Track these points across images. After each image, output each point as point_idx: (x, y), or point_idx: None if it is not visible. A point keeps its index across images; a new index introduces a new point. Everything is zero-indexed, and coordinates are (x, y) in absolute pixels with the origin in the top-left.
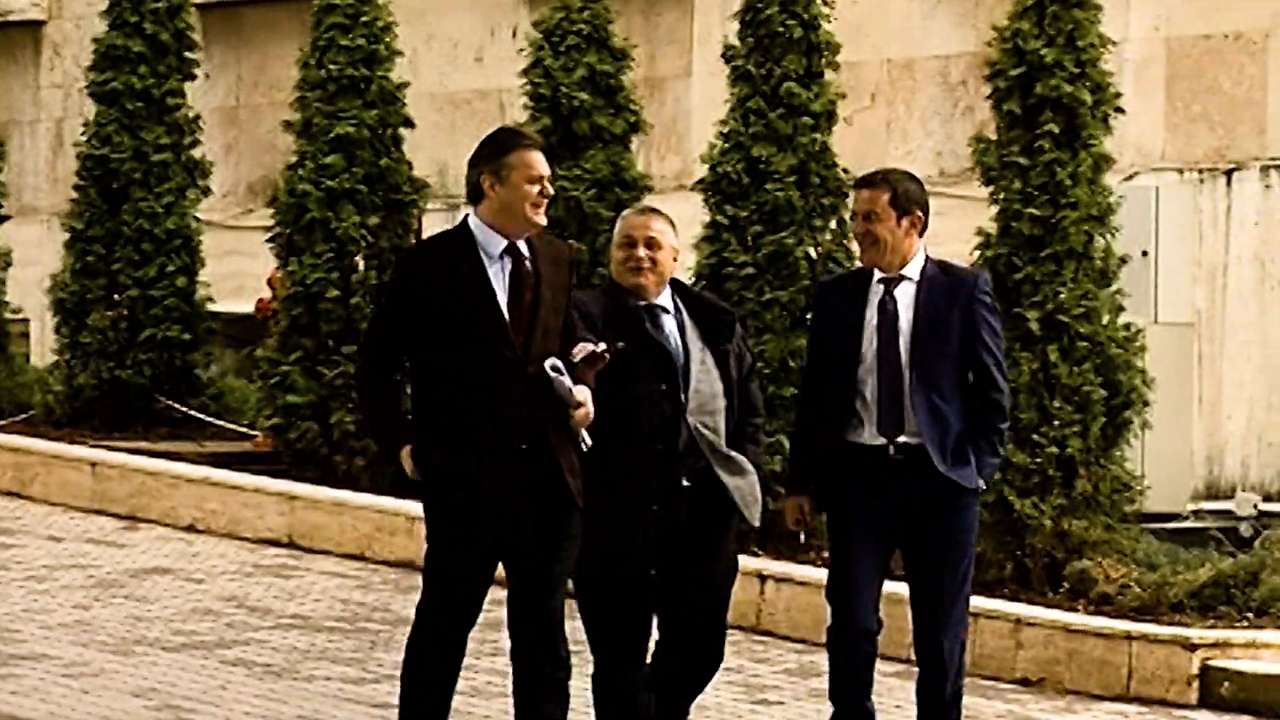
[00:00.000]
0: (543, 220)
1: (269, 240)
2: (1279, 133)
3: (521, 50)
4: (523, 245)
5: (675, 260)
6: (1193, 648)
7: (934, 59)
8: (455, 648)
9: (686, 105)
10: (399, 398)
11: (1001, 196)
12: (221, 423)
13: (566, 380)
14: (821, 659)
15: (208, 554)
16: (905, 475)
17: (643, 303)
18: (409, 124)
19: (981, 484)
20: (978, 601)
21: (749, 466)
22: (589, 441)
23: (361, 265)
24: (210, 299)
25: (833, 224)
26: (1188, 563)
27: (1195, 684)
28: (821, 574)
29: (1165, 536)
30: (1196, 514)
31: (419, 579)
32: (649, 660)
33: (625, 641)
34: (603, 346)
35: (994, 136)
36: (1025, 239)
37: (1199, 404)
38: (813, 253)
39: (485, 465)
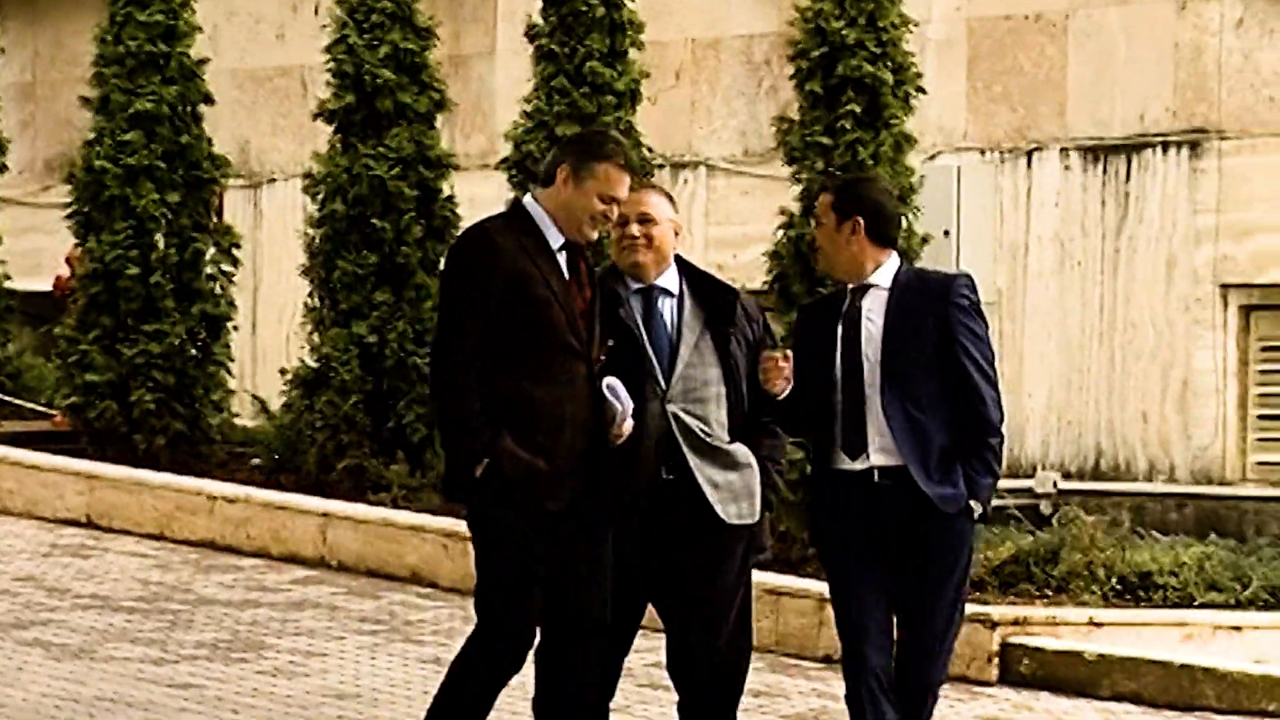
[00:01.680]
0: (593, 237)
1: (67, 217)
2: (1079, 114)
3: (324, 26)
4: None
5: (678, 235)
6: (993, 625)
7: (738, 38)
8: (526, 649)
9: (491, 84)
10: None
11: (804, 176)
12: (19, 401)
13: (623, 397)
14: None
15: (4, 534)
16: (889, 498)
17: (639, 285)
18: (209, 100)
19: (976, 506)
20: (781, 580)
21: (747, 459)
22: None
23: (161, 243)
24: (7, 276)
25: None
26: (989, 541)
27: (995, 661)
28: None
29: None
30: (997, 492)
31: (220, 558)
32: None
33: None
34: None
35: (797, 116)
36: None
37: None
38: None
39: (562, 468)
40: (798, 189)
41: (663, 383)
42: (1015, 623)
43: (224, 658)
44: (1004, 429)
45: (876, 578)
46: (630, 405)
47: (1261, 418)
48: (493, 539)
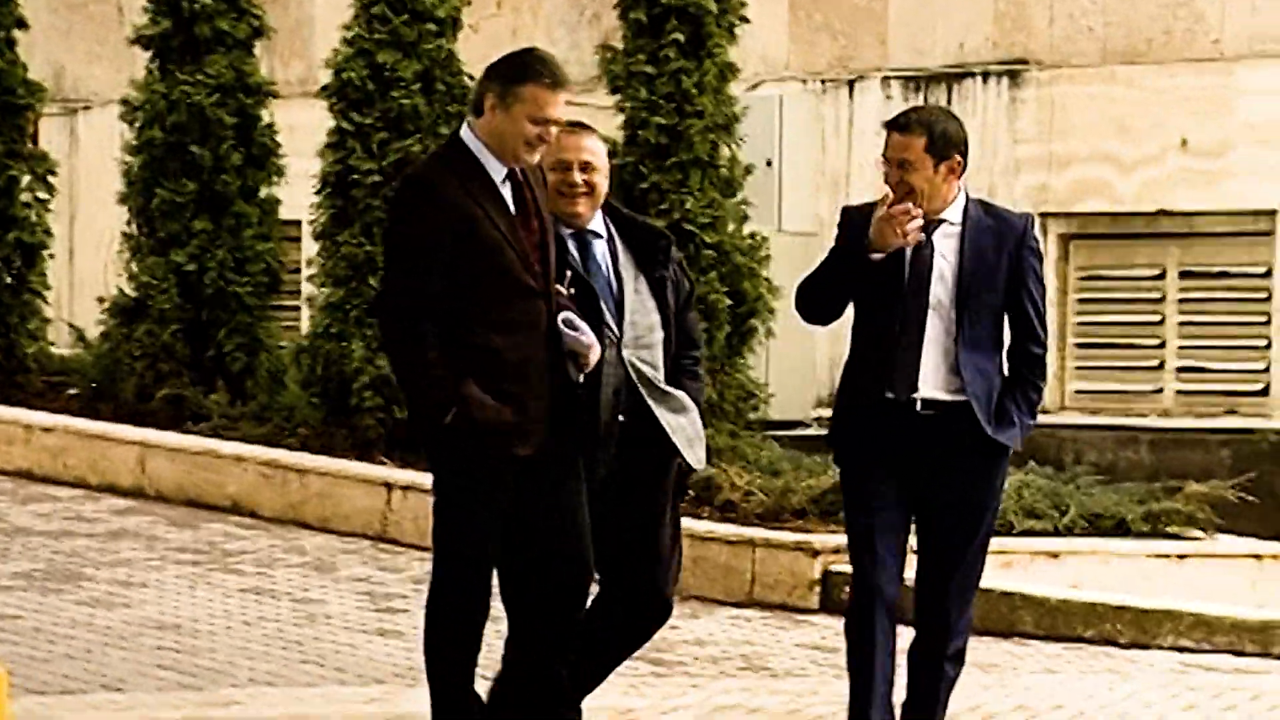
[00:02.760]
0: (534, 160)
1: None
2: (900, 43)
3: None
4: (518, 169)
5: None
6: (815, 553)
7: None
8: (486, 596)
9: (310, 10)
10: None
11: (628, 105)
12: None
13: (584, 333)
14: None
15: None
16: (930, 431)
17: (570, 230)
18: (22, 25)
19: (1019, 446)
20: None
21: (689, 403)
22: (580, 380)
23: None
24: None
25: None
26: (810, 469)
27: (817, 589)
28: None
29: (789, 444)
30: (819, 421)
31: (36, 488)
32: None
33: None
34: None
35: (620, 45)
36: (651, 147)
37: None
38: None
39: (533, 411)
40: (620, 118)
41: (615, 329)
42: (837, 551)
43: (41, 588)
44: None
45: (901, 513)
46: (592, 335)
47: (1080, 346)
48: (454, 487)
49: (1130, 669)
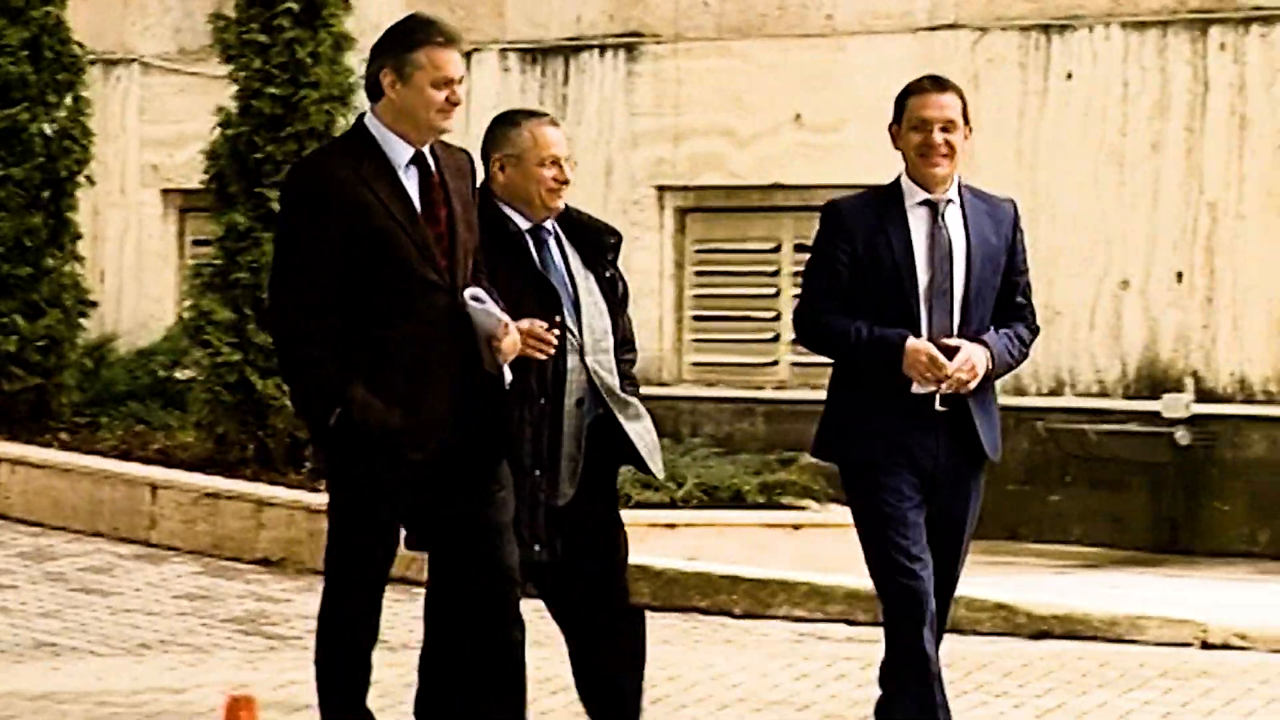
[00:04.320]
0: (448, 127)
1: None
2: (518, 16)
3: None
4: (428, 153)
5: None
6: None
7: None
8: (375, 614)
9: None
10: (334, 344)
11: (241, 75)
12: None
13: (491, 307)
14: (60, 542)
15: None
16: (945, 427)
17: (526, 225)
18: None
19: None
20: (222, 483)
21: (643, 410)
22: (509, 376)
23: None
24: None
25: (68, 100)
26: None
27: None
28: (61, 456)
29: None
30: None
31: None
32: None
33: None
34: (542, 325)
35: (233, 14)
36: (266, 118)
37: None
38: (47, 129)
39: (428, 413)
40: (234, 88)
41: (576, 335)
42: None
43: None
44: None
45: (921, 511)
46: (503, 315)
47: (697, 319)
48: (341, 496)
49: (746, 639)
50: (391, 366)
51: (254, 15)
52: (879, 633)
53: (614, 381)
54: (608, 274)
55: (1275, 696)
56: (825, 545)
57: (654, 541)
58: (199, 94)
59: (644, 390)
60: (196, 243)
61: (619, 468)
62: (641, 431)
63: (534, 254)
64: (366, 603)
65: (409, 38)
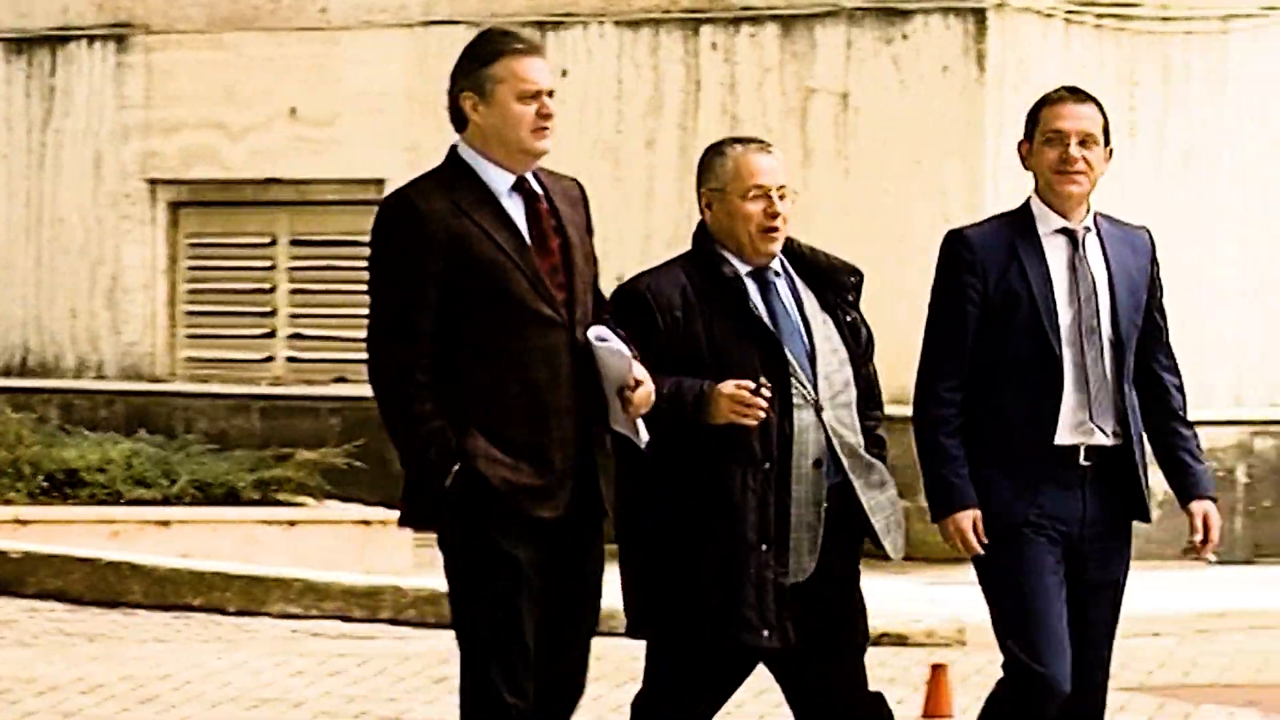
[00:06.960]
0: (546, 147)
1: None
2: (3, 4)
3: None
4: (531, 179)
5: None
6: None
7: None
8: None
9: None
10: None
11: None
12: None
13: (618, 344)
14: None
15: None
16: (1091, 482)
17: (748, 268)
18: None
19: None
20: None
21: (889, 478)
22: (645, 435)
23: None
24: None
25: None
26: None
27: None
28: None
29: None
30: None
31: None
32: None
33: None
34: (749, 385)
35: None
36: None
37: None
38: None
39: (555, 467)
40: None
41: (809, 388)
42: None
43: None
44: None
45: (1061, 581)
46: (631, 353)
47: (191, 314)
48: (474, 565)
49: (240, 637)
50: (509, 415)
51: None
52: (375, 629)
53: (856, 441)
54: (849, 318)
55: None
56: (322, 541)
57: (147, 539)
58: None
59: (135, 386)
60: None
61: (862, 540)
62: (884, 503)
63: (754, 299)
64: (519, 677)
65: (485, 50)
